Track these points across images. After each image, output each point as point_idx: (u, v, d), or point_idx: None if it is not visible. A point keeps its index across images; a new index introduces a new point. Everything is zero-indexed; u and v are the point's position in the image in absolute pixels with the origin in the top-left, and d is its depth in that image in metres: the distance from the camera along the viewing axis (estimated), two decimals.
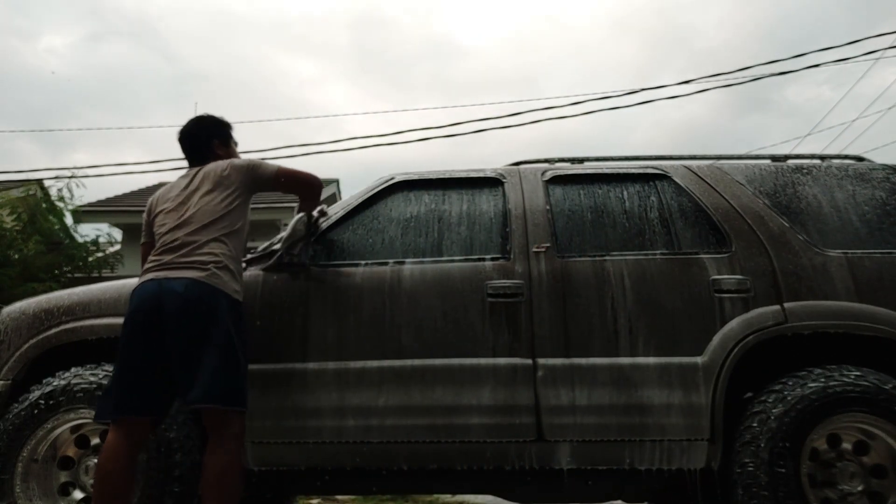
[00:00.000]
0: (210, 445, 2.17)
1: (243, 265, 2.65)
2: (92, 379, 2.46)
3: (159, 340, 2.18)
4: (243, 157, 2.68)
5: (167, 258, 2.28)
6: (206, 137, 2.62)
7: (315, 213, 2.65)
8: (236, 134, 2.73)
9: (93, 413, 2.41)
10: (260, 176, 2.51)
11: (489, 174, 2.87)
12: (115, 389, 2.19)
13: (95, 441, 2.48)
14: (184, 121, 2.69)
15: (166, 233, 2.35)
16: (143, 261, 2.50)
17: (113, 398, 2.18)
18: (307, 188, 2.61)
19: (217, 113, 2.69)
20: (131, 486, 2.19)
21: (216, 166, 2.48)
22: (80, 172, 9.67)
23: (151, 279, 2.26)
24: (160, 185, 13.46)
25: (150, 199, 2.55)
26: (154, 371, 2.20)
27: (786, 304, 2.44)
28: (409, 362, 2.46)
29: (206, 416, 2.19)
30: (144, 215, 2.55)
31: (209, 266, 2.25)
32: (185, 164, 2.66)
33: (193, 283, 2.21)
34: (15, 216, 8.80)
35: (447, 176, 2.88)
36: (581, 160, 3.03)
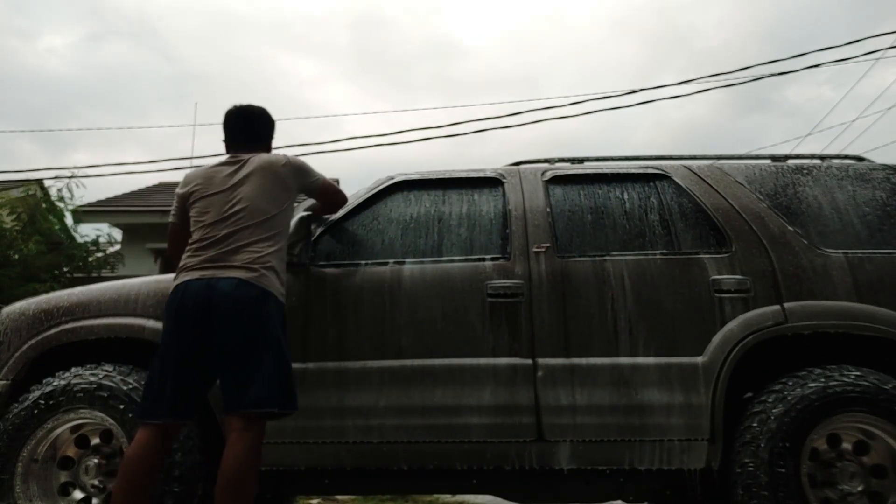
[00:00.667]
0: (236, 446, 2.05)
1: None
2: (92, 379, 2.45)
3: (207, 341, 2.11)
4: None
5: (212, 253, 2.19)
6: (270, 131, 2.56)
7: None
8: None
9: (94, 413, 2.41)
10: (310, 184, 2.50)
11: (489, 174, 2.87)
12: (159, 390, 2.10)
13: (95, 441, 2.48)
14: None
15: (210, 224, 2.24)
16: (171, 241, 2.44)
17: (155, 399, 2.10)
18: (336, 206, 2.69)
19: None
20: (154, 487, 2.16)
21: (271, 160, 2.37)
22: (80, 172, 9.68)
23: (198, 278, 2.16)
24: (160, 185, 13.48)
25: (187, 178, 2.42)
26: (198, 372, 2.15)
27: (786, 305, 2.44)
28: (409, 362, 2.47)
29: (241, 418, 2.07)
30: (178, 196, 2.41)
31: (257, 266, 2.18)
32: (185, 164, 2.64)
33: (244, 283, 2.14)
34: (15, 216, 8.81)
35: (447, 176, 2.88)
36: (581, 160, 3.03)
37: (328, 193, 2.60)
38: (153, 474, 2.10)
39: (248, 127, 2.50)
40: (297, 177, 2.43)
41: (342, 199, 2.68)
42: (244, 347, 2.10)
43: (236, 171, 2.34)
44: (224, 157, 2.47)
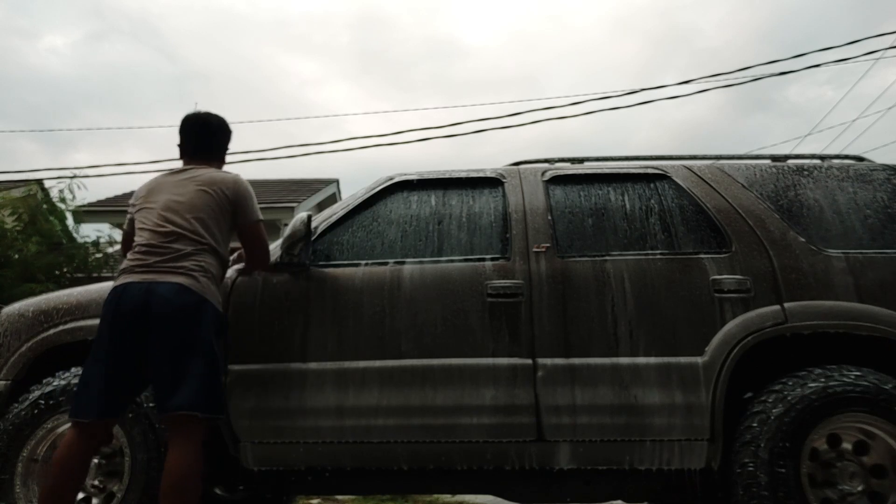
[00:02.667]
0: (174, 450, 2.12)
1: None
2: None
3: (142, 343, 2.16)
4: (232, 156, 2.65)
5: (152, 259, 2.22)
6: (226, 141, 2.56)
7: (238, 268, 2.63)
8: (238, 133, 2.71)
9: None
10: (249, 211, 2.42)
11: (489, 174, 2.87)
12: (94, 389, 2.14)
13: None
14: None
15: (153, 230, 2.27)
16: (125, 251, 2.42)
17: (89, 398, 2.13)
18: (262, 253, 2.50)
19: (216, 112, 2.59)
20: (81, 485, 2.18)
21: (222, 176, 2.40)
22: (81, 173, 9.68)
23: (137, 282, 2.19)
24: None
25: (138, 192, 2.43)
26: (130, 374, 2.19)
27: (786, 305, 2.44)
28: (408, 362, 2.46)
29: (174, 422, 2.14)
30: (130, 205, 2.43)
31: (197, 274, 2.23)
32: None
33: (182, 288, 2.18)
34: (15, 216, 8.81)
35: (447, 176, 2.88)
36: (581, 160, 3.03)
37: (257, 235, 2.46)
38: (81, 473, 2.14)
39: (205, 136, 2.51)
40: (240, 197, 2.39)
41: (266, 253, 2.51)
42: (176, 351, 2.14)
43: (184, 180, 2.36)
44: (176, 167, 2.47)
